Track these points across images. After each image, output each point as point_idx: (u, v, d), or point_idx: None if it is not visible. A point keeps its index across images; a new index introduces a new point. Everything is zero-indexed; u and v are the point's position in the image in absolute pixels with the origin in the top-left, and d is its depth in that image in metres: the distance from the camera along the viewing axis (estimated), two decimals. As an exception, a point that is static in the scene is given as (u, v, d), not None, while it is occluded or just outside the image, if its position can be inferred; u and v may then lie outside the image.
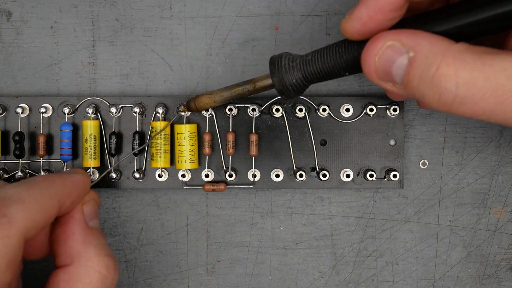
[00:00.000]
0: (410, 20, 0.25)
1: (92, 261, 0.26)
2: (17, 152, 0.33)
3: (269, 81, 0.29)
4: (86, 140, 0.33)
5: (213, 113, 0.33)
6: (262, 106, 0.34)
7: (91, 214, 0.28)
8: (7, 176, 0.33)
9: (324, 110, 0.33)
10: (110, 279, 0.27)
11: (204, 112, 0.33)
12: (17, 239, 0.23)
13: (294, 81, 0.27)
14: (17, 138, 0.33)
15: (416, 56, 0.24)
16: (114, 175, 0.33)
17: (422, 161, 0.35)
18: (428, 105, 0.24)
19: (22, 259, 0.26)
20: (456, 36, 0.24)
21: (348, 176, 0.34)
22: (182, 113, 0.33)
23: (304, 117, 0.34)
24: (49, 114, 0.34)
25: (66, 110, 0.33)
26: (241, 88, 0.29)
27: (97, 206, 0.29)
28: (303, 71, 0.27)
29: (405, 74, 0.24)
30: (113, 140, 0.33)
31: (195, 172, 0.34)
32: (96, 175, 0.34)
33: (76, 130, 0.34)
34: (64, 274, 0.26)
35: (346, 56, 0.26)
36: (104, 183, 0.34)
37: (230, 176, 0.33)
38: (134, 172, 0.33)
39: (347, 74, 0.27)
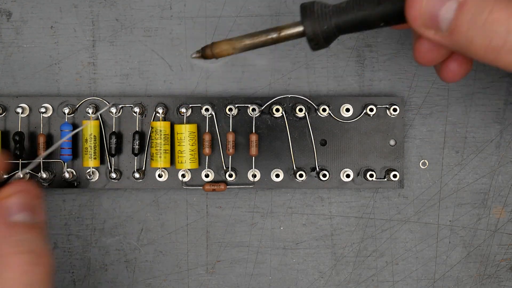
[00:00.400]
0: None
1: (11, 258, 0.25)
2: (17, 152, 0.33)
3: (298, 28, 0.26)
4: (86, 140, 0.33)
5: (213, 113, 0.33)
6: (262, 106, 0.34)
7: (17, 207, 0.26)
8: (6, 176, 0.33)
9: (324, 110, 0.33)
10: (37, 273, 0.25)
11: (204, 112, 0.33)
12: None
13: (325, 27, 0.26)
14: (17, 138, 0.33)
15: (468, 0, 0.23)
16: (114, 175, 0.33)
17: (422, 161, 0.35)
18: (474, 53, 0.23)
19: None
20: None
21: (348, 176, 0.34)
22: (195, 59, 0.30)
23: (304, 117, 0.34)
24: (49, 114, 0.34)
25: (66, 110, 0.33)
26: (265, 35, 0.27)
27: (30, 198, 0.27)
28: (337, 18, 0.26)
29: (453, 18, 0.23)
30: (113, 140, 0.33)
31: (195, 172, 0.34)
32: (97, 176, 0.34)
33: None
34: None
35: (386, 2, 0.25)
36: (104, 183, 0.34)
37: (230, 176, 0.33)
38: (134, 172, 0.33)
39: (382, 24, 0.26)
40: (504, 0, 0.22)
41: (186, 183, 0.34)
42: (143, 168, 0.34)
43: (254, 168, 0.34)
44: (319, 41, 0.26)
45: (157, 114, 0.33)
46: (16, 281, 0.25)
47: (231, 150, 0.33)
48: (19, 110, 0.33)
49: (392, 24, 0.26)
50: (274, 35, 0.27)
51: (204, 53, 0.28)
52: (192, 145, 0.33)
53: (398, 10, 0.25)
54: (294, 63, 0.35)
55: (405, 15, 0.24)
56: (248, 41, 0.27)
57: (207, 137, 0.33)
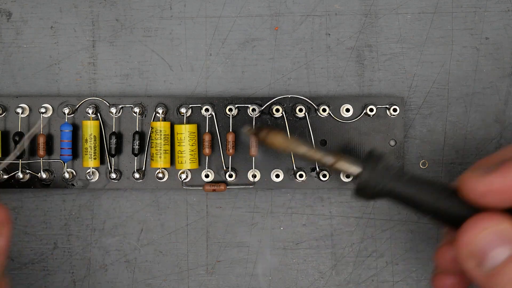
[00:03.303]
0: None
1: None
2: (17, 153, 0.33)
3: (355, 170, 0.26)
4: (86, 140, 0.33)
5: (213, 113, 0.33)
6: (262, 106, 0.34)
7: None
8: (7, 176, 0.33)
9: (324, 110, 0.33)
10: None
11: (204, 112, 0.33)
12: None
13: (379, 189, 0.25)
14: (17, 138, 0.33)
15: None
16: (114, 175, 0.33)
17: (422, 161, 0.35)
18: None
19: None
20: None
21: (348, 176, 0.34)
22: (247, 132, 0.31)
23: (304, 117, 0.34)
24: (49, 114, 0.34)
25: (66, 110, 0.33)
26: (322, 156, 0.27)
27: None
28: (394, 186, 0.25)
29: (499, 265, 0.22)
30: (113, 140, 0.33)
31: (195, 172, 0.34)
32: (97, 176, 0.34)
33: (76, 130, 0.34)
34: None
35: (445, 205, 0.24)
36: (104, 183, 0.34)
37: (230, 176, 0.33)
38: (134, 172, 0.33)
39: (431, 218, 0.25)
40: None
41: (186, 183, 0.34)
42: (143, 168, 0.34)
43: (254, 168, 0.34)
44: (365, 194, 0.26)
45: (157, 114, 0.33)
46: None
47: (231, 150, 0.33)
48: (19, 110, 0.33)
49: (442, 225, 0.25)
50: (329, 161, 0.26)
51: (258, 134, 0.28)
52: (192, 145, 0.33)
53: (452, 219, 0.24)
54: (294, 63, 0.35)
55: (456, 234, 0.24)
56: (302, 151, 0.27)
57: (207, 137, 0.33)
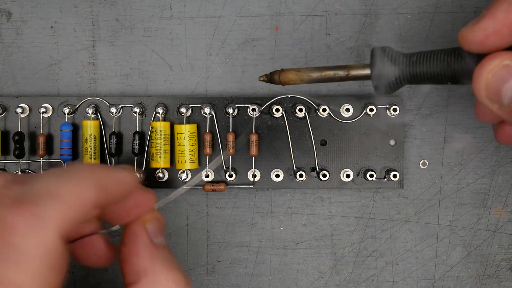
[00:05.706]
0: None
1: (159, 276, 0.26)
2: (17, 152, 0.33)
3: (366, 72, 0.27)
4: (86, 140, 0.33)
5: (213, 113, 0.33)
6: (262, 106, 0.34)
7: (155, 232, 0.27)
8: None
9: (324, 110, 0.33)
10: None
11: (203, 113, 0.33)
12: (53, 241, 0.21)
13: (393, 79, 0.26)
14: (17, 138, 0.33)
15: None
16: (114, 175, 0.33)
17: (422, 161, 0.35)
18: None
19: (82, 265, 0.26)
20: None
21: (348, 176, 0.34)
22: (262, 81, 0.30)
23: (304, 117, 0.34)
24: (49, 114, 0.34)
25: (66, 110, 0.33)
26: (333, 73, 0.27)
27: (161, 225, 0.28)
28: (405, 70, 0.26)
29: None
30: (113, 140, 0.33)
31: (195, 172, 0.34)
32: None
33: (76, 130, 0.34)
34: None
35: (455, 66, 0.25)
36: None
37: (230, 176, 0.33)
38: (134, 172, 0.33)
39: (449, 83, 0.26)
40: None
41: (186, 183, 0.34)
42: (143, 168, 0.34)
43: (254, 168, 0.34)
44: (383, 89, 0.27)
45: (157, 114, 0.33)
46: None
47: (231, 150, 0.33)
48: (19, 110, 0.33)
49: (461, 84, 0.26)
50: (342, 74, 0.27)
51: (272, 78, 0.29)
52: (192, 145, 0.33)
53: (467, 75, 0.25)
54: (294, 63, 0.35)
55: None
56: (315, 75, 0.28)
57: (207, 137, 0.33)
